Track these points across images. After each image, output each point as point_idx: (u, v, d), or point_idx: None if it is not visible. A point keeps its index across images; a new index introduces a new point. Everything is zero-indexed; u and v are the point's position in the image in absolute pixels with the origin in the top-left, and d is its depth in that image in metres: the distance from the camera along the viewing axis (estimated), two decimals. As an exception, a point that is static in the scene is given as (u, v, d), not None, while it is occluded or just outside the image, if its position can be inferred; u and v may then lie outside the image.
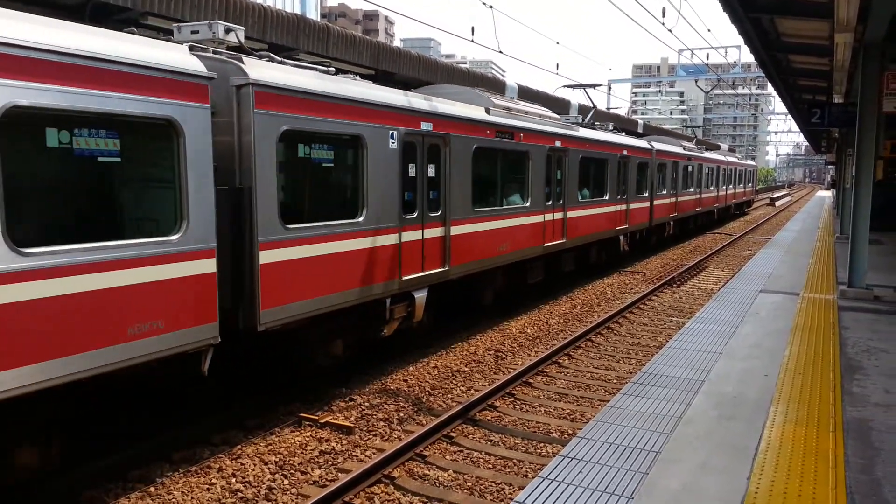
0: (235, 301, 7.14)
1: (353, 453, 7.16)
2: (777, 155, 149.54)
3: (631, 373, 10.08)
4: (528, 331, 12.50)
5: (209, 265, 6.58)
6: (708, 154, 31.67)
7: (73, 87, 5.36)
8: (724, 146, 48.17)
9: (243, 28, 7.73)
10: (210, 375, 6.96)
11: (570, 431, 7.87)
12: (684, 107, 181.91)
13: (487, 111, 11.90)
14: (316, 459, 7.01)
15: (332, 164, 8.33)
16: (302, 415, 8.06)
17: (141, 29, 9.26)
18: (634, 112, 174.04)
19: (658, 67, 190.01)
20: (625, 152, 19.14)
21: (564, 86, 21.33)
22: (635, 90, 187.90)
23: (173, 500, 6.14)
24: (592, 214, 16.86)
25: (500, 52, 17.79)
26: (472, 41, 18.21)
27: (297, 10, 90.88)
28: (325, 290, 8.11)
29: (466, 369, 10.12)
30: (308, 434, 7.60)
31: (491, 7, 17.58)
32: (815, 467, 4.81)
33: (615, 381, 9.75)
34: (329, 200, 8.47)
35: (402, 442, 7.10)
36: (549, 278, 15.70)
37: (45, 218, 5.46)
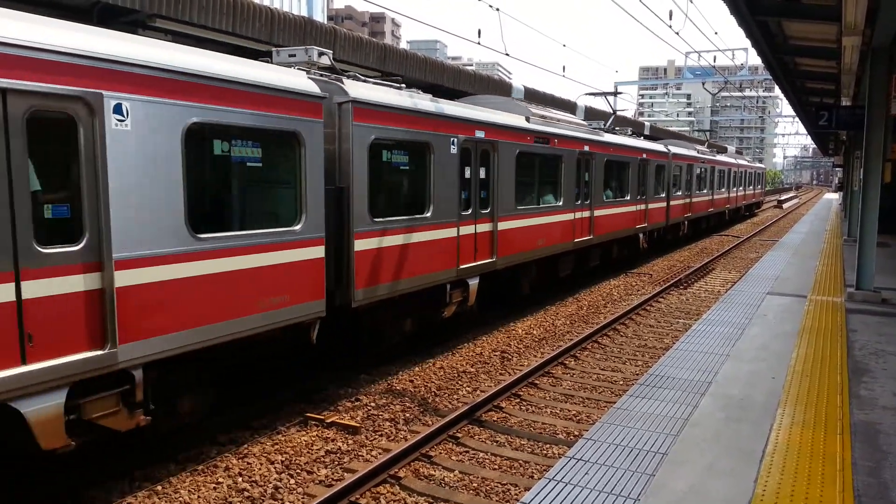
0: (335, 282, 8.46)
1: (359, 453, 7.18)
2: (784, 157, 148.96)
3: (637, 374, 10.06)
4: (534, 332, 12.50)
5: (320, 251, 7.94)
6: (719, 157, 32.56)
7: (231, 107, 6.67)
8: (732, 148, 48.09)
9: (331, 52, 8.88)
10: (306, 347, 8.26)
11: (577, 433, 7.87)
12: (691, 109, 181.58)
13: (527, 119, 13.19)
14: (322, 459, 7.02)
15: (406, 167, 9.73)
16: (308, 414, 8.08)
17: (147, 31, 9.32)
18: (641, 115, 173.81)
19: (665, 70, 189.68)
20: (644, 156, 20.34)
21: (587, 93, 22.53)
22: (642, 92, 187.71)
23: (180, 498, 6.16)
24: (615, 213, 18.13)
25: (507, 54, 17.79)
26: (479, 43, 18.21)
27: (304, 13, 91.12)
28: (401, 274, 9.44)
29: (472, 370, 10.13)
30: (314, 434, 7.62)
31: (497, 10, 17.58)
32: (823, 470, 4.80)
33: (621, 382, 9.74)
34: (404, 198, 9.76)
35: (407, 442, 7.11)
36: (576, 272, 16.84)
37: (211, 210, 6.72)
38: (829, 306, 10.54)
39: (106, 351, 5.57)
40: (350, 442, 7.45)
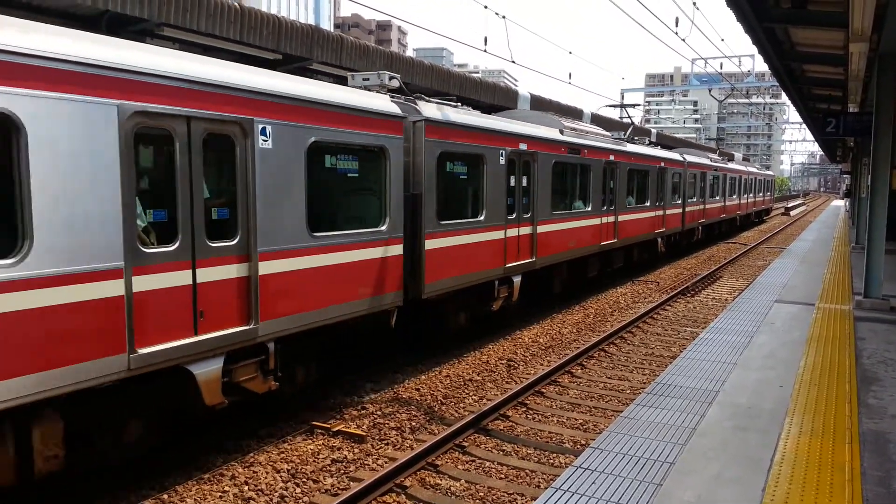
0: (409, 276, 9.63)
1: (365, 462, 7.16)
2: (791, 164, 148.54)
3: (644, 383, 10.02)
4: (541, 340, 12.47)
5: (399, 249, 9.24)
6: (731, 165, 33.54)
7: (339, 128, 8.05)
8: (739, 155, 48.04)
9: (399, 76, 9.71)
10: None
11: (584, 442, 7.83)
12: (698, 116, 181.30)
13: (561, 132, 14.47)
14: (328, 468, 7.01)
15: (465, 177, 10.99)
16: (314, 423, 8.07)
17: (156, 39, 9.37)
18: (647, 122, 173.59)
19: (671, 76, 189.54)
20: (662, 164, 21.54)
21: (607, 105, 24.22)
22: (648, 99, 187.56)
23: (186, 507, 6.16)
24: (637, 219, 19.36)
25: (513, 61, 17.82)
26: (485, 51, 18.25)
27: (311, 21, 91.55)
28: (459, 271, 10.68)
29: (479, 378, 10.11)
30: (320, 442, 7.61)
31: (504, 17, 17.62)
32: (832, 479, 4.76)
33: (628, 391, 9.69)
34: (462, 203, 11.01)
35: (414, 451, 7.09)
36: (602, 273, 17.98)
37: (322, 213, 7.98)
38: (837, 314, 10.48)
39: (251, 326, 6.88)
40: (356, 450, 7.43)
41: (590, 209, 15.77)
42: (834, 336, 9.04)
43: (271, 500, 6.33)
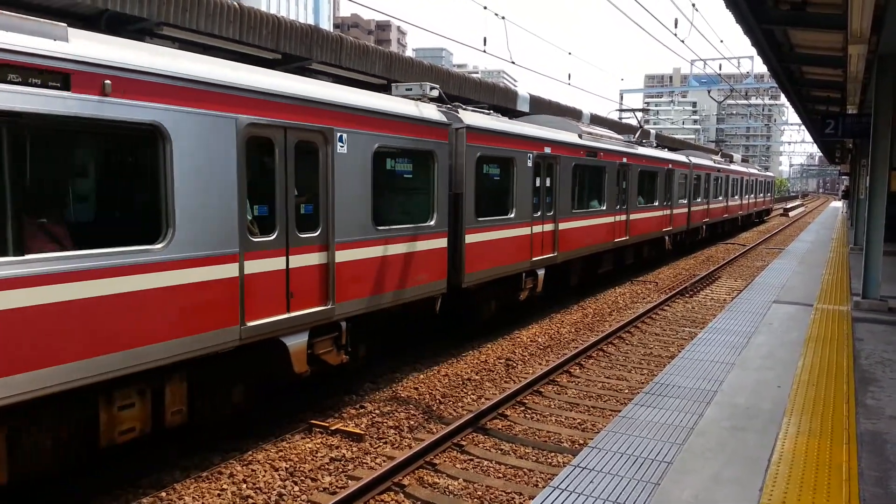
0: (451, 266, 10.66)
1: (364, 460, 7.17)
2: (790, 165, 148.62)
3: (643, 383, 10.03)
4: (539, 340, 12.48)
5: (444, 242, 10.37)
6: (733, 166, 34.51)
7: (398, 135, 9.19)
8: (738, 156, 48.12)
9: (439, 86, 10.70)
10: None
11: (582, 441, 7.84)
12: (697, 117, 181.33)
13: (580, 136, 15.60)
14: (326, 466, 7.02)
15: (498, 178, 12.07)
16: (312, 421, 8.08)
17: (155, 39, 9.37)
18: (646, 122, 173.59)
19: (670, 77, 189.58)
20: (670, 166, 22.64)
21: (618, 109, 25.60)
22: (647, 100, 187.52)
23: (184, 505, 6.16)
24: (647, 217, 20.45)
25: (512, 62, 17.83)
26: (484, 51, 18.26)
27: (311, 21, 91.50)
28: (493, 263, 11.78)
29: (477, 377, 10.11)
30: (318, 441, 7.62)
31: (503, 18, 17.63)
32: (829, 480, 4.77)
33: (627, 391, 9.70)
34: (495, 202, 12.01)
35: (412, 450, 7.10)
36: (614, 268, 19.02)
37: (383, 208, 9.06)
38: (835, 315, 10.49)
39: (329, 306, 8.01)
40: (354, 449, 7.44)
41: (604, 208, 16.85)
42: (832, 337, 9.05)
43: (269, 498, 6.33)
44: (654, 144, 23.97)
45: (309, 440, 7.64)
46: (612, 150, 17.25)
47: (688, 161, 25.20)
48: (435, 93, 10.44)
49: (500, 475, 6.96)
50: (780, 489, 4.61)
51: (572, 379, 10.28)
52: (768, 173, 50.05)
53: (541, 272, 13.53)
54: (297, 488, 6.54)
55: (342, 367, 8.56)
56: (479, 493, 6.52)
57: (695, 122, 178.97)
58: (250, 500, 6.28)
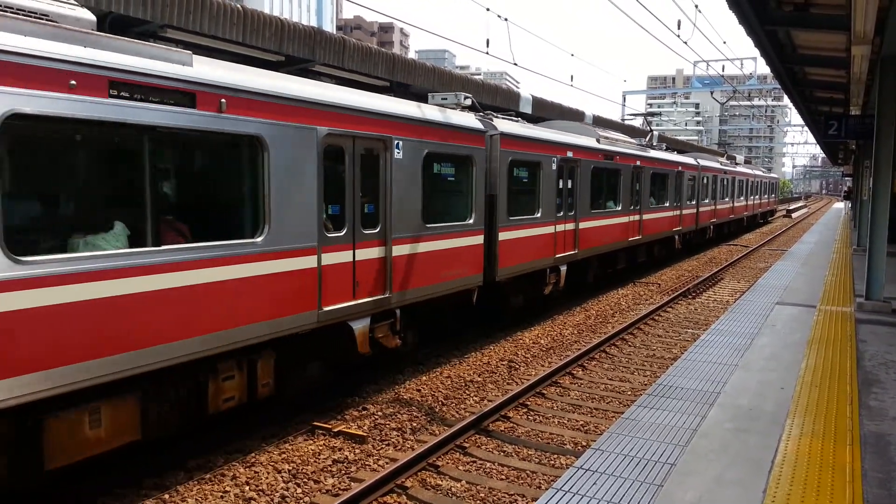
0: (485, 262, 11.47)
1: (366, 462, 7.17)
2: (794, 166, 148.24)
3: (646, 384, 10.02)
4: (542, 341, 12.47)
5: (481, 239, 11.29)
6: (739, 168, 35.18)
7: (443, 141, 10.16)
8: (741, 158, 48.10)
9: (472, 95, 11.57)
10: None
11: (584, 443, 7.83)
12: (699, 118, 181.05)
13: (598, 141, 16.58)
14: (329, 468, 7.02)
15: (526, 180, 12.97)
16: (315, 423, 8.08)
17: (159, 41, 9.39)
18: (648, 124, 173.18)
19: (673, 79, 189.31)
20: (679, 168, 23.50)
21: (629, 114, 26.80)
22: (650, 101, 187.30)
23: (187, 507, 6.17)
24: (658, 217, 21.35)
25: (515, 63, 17.82)
26: (487, 53, 18.25)
27: (314, 23, 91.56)
28: (522, 259, 12.68)
29: (479, 379, 10.11)
30: (321, 443, 7.62)
31: (506, 20, 17.63)
32: (832, 481, 4.76)
33: (630, 392, 9.70)
34: (524, 202, 12.88)
35: (414, 452, 7.10)
36: (627, 266, 19.87)
37: (430, 207, 9.91)
38: (838, 316, 10.47)
39: (386, 295, 8.97)
40: (357, 451, 7.44)
41: (619, 209, 17.74)
42: (835, 338, 9.04)
43: (272, 500, 6.34)
44: (664, 147, 24.62)
45: (311, 442, 7.64)
46: (626, 154, 18.09)
47: (696, 163, 25.94)
48: (468, 102, 11.25)
49: (503, 477, 6.95)
50: (784, 491, 4.60)
51: (575, 381, 10.27)
52: (772, 175, 50.55)
53: (563, 268, 14.39)
54: (299, 490, 6.55)
55: (395, 350, 9.55)
56: (482, 495, 6.52)
57: (697, 123, 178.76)
58: (253, 502, 6.29)
